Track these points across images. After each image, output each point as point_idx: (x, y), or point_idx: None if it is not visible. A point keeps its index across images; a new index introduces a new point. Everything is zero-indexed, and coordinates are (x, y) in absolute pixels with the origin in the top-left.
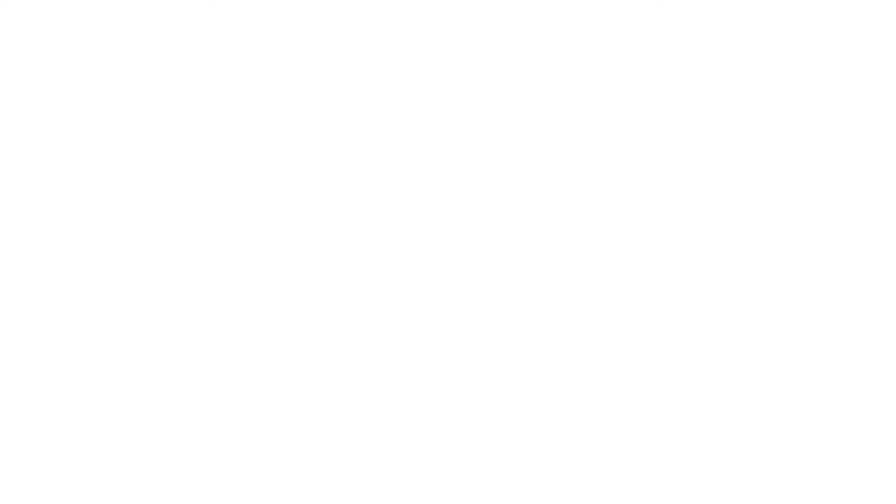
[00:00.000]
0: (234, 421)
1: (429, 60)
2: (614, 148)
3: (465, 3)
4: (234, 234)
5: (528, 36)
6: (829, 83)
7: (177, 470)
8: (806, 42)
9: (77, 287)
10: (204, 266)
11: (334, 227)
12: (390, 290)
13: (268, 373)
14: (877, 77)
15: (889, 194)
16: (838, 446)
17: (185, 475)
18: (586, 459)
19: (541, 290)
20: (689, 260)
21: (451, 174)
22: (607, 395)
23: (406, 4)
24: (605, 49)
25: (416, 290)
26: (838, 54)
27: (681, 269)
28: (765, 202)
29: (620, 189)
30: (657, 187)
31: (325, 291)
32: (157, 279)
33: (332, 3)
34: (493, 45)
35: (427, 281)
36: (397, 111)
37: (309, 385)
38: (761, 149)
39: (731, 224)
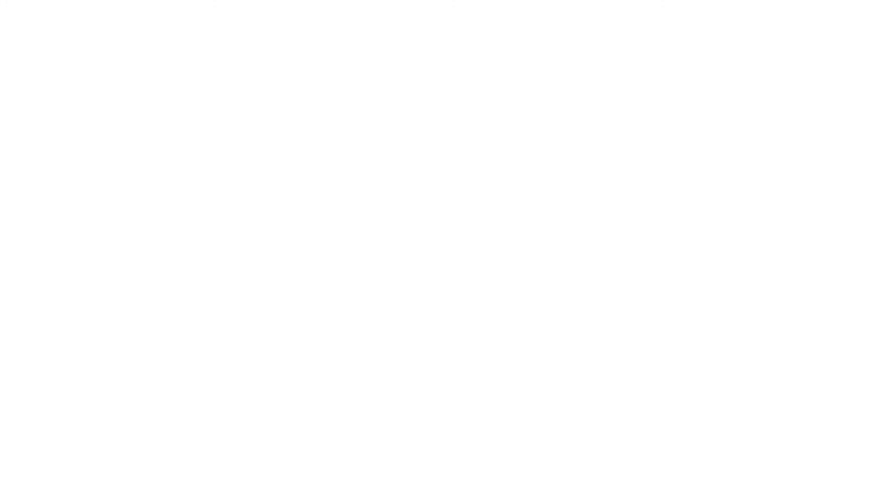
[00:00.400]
0: (234, 421)
1: (429, 60)
2: (614, 148)
3: (465, 3)
4: (234, 233)
5: (528, 36)
6: (829, 83)
7: (177, 470)
8: (806, 42)
9: (77, 286)
10: (204, 265)
11: (334, 227)
12: (390, 290)
13: (268, 372)
14: (877, 77)
15: (889, 194)
16: (838, 446)
17: (185, 475)
18: (586, 459)
19: (541, 290)
20: (689, 259)
21: (451, 174)
22: (607, 395)
23: (406, 4)
24: (605, 49)
25: (416, 289)
26: (838, 54)
27: (681, 268)
28: (765, 202)
29: (620, 189)
30: (657, 187)
31: (325, 291)
32: (156, 278)
33: (332, 3)
34: (493, 45)
35: (427, 280)
36: (397, 111)
37: (309, 385)
38: (761, 149)
39: (731, 224)
